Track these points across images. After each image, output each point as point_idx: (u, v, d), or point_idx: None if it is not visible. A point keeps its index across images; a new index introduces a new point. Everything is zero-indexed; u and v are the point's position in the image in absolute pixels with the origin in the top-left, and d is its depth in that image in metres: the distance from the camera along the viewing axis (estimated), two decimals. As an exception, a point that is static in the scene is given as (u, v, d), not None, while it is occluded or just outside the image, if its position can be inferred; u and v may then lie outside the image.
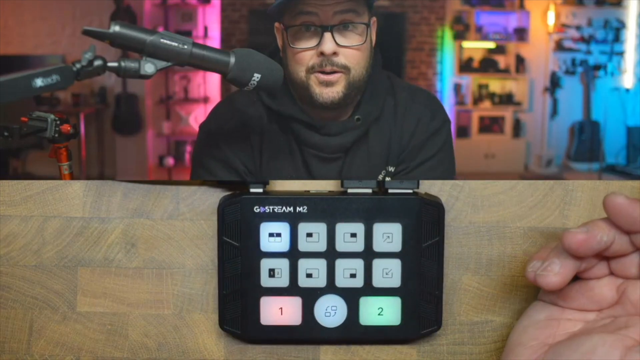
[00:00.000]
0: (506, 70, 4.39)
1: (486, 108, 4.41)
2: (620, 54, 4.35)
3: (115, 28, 0.68)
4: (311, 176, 0.86)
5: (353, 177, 0.87)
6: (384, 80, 0.90)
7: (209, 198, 0.77)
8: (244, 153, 0.87)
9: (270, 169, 0.87)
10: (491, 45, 4.37)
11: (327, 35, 0.82)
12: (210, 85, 4.17)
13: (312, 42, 0.83)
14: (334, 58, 0.83)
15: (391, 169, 0.87)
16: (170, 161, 4.14)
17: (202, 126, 0.90)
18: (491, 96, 4.42)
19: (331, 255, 0.73)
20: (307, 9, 0.82)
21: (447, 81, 4.37)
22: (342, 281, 0.74)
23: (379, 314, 0.74)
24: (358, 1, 0.83)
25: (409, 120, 0.89)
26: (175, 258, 0.78)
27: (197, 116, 4.13)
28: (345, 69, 0.83)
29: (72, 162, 0.84)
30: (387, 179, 0.88)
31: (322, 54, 0.82)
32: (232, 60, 0.73)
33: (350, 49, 0.83)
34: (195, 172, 0.89)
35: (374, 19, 0.87)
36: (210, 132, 0.89)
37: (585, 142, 4.28)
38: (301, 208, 0.73)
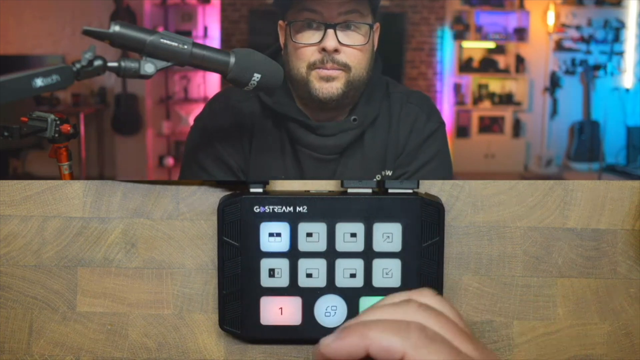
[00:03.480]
0: (506, 70, 4.38)
1: (486, 108, 4.41)
2: (620, 54, 4.35)
3: (115, 28, 0.68)
4: (303, 177, 0.86)
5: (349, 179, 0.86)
6: (382, 85, 0.90)
7: (209, 198, 0.77)
8: (236, 150, 0.87)
9: (261, 167, 0.87)
10: (491, 45, 4.37)
11: (330, 32, 0.82)
12: (210, 85, 4.17)
13: (315, 38, 0.83)
14: (336, 56, 0.83)
15: (388, 172, 0.87)
16: (170, 161, 4.14)
17: (196, 120, 0.90)
18: (491, 96, 4.42)
19: (331, 255, 0.73)
20: (311, 6, 0.82)
21: (447, 81, 4.37)
22: (342, 281, 0.74)
23: (379, 314, 0.74)
24: (362, 3, 0.83)
25: (404, 122, 0.89)
26: (175, 258, 0.78)
27: (197, 116, 4.11)
28: (345, 67, 0.83)
29: (72, 162, 0.84)
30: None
31: (323, 50, 0.83)
32: (232, 60, 0.73)
33: (351, 49, 0.84)
34: (186, 167, 0.89)
35: (377, 24, 0.87)
36: (204, 127, 0.89)
37: (585, 142, 4.28)
38: (301, 208, 0.73)
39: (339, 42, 0.83)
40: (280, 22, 0.87)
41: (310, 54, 0.84)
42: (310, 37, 0.83)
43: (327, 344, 0.54)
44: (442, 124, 0.91)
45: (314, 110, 0.87)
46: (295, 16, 0.84)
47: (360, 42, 0.84)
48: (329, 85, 0.83)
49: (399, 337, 0.52)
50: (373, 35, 0.86)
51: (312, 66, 0.84)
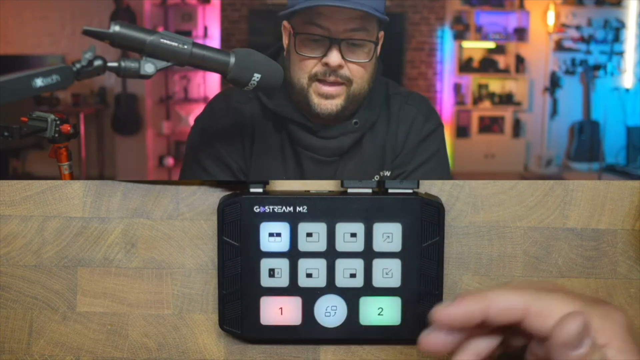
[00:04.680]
0: (506, 70, 4.38)
1: (486, 108, 4.41)
2: (620, 54, 4.35)
3: (115, 28, 0.68)
4: (303, 178, 0.86)
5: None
6: (382, 88, 0.90)
7: (209, 198, 0.77)
8: (236, 150, 0.87)
9: (261, 169, 0.87)
10: (491, 45, 4.37)
11: (335, 48, 0.82)
12: (210, 85, 4.17)
13: (319, 52, 0.83)
14: (339, 70, 0.82)
15: (387, 173, 0.87)
16: (170, 161, 4.14)
17: (197, 120, 0.90)
18: (491, 96, 4.42)
19: (331, 255, 0.73)
20: (319, 21, 0.82)
21: (447, 81, 4.37)
22: (342, 281, 0.74)
23: (379, 314, 0.74)
24: (370, 20, 0.83)
25: (403, 123, 0.89)
26: (175, 258, 0.78)
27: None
28: (347, 81, 0.83)
29: (72, 162, 0.84)
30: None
31: (326, 64, 0.82)
32: (232, 60, 0.73)
33: (355, 64, 0.83)
34: (187, 167, 0.89)
35: (381, 33, 0.87)
36: (204, 127, 0.89)
37: (585, 142, 4.28)
38: (301, 208, 0.73)
39: (343, 57, 0.82)
40: (285, 22, 0.87)
41: (313, 66, 0.83)
42: (314, 50, 0.83)
43: (442, 309, 0.53)
44: (440, 125, 0.91)
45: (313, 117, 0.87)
46: (302, 28, 0.83)
47: (364, 59, 0.83)
48: (328, 102, 0.83)
49: (517, 294, 0.52)
50: (377, 50, 0.86)
51: (313, 77, 0.83)
